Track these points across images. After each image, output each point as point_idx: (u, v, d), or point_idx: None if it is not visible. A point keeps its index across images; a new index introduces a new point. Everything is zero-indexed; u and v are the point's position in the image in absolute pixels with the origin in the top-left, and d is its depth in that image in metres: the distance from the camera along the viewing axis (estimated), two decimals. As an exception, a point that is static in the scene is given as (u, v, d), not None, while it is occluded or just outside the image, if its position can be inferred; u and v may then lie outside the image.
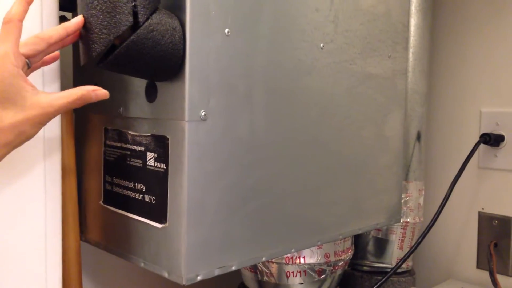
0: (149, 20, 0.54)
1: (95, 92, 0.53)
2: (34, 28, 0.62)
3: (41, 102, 0.49)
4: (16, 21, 0.50)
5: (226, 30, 0.62)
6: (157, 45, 0.55)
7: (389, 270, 1.06)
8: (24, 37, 0.60)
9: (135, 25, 0.54)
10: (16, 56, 0.48)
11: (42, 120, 0.49)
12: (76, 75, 0.78)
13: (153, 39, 0.55)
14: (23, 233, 0.62)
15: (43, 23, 0.63)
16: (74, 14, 0.71)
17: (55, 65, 0.65)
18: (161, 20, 0.55)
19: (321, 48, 0.75)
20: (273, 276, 0.92)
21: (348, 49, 0.80)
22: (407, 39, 0.95)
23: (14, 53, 0.48)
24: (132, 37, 0.53)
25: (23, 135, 0.49)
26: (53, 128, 0.66)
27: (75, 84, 0.78)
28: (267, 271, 0.92)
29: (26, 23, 0.61)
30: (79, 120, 0.78)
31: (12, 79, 0.47)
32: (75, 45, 0.77)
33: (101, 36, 0.52)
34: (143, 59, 0.55)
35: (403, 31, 0.92)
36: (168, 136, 0.61)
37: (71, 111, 0.75)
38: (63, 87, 0.66)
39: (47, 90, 0.64)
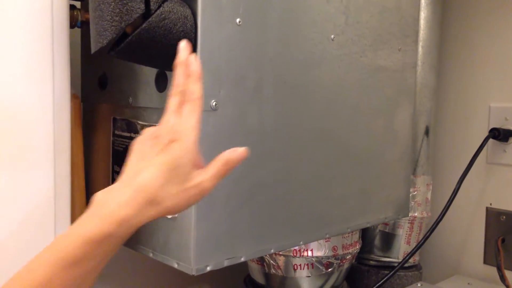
0: (161, 8, 0.54)
1: (235, 153, 0.50)
2: (44, 17, 0.61)
3: (198, 183, 0.47)
4: (201, 99, 0.49)
5: (238, 20, 0.61)
6: (168, 33, 0.55)
7: (395, 264, 1.06)
8: (33, 22, 0.60)
9: (147, 13, 0.53)
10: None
11: (196, 200, 0.49)
12: (85, 65, 0.78)
13: (165, 28, 0.54)
14: (32, 225, 0.62)
15: (53, 12, 0.63)
16: (84, 3, 0.71)
17: (64, 55, 0.65)
18: (172, 8, 0.55)
19: (332, 40, 0.74)
20: (280, 269, 0.92)
21: (359, 41, 0.79)
22: (417, 32, 0.95)
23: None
24: (144, 25, 0.53)
25: (175, 209, 0.47)
26: (63, 118, 0.65)
27: (84, 74, 0.78)
28: (274, 263, 0.92)
29: (35, 11, 0.61)
30: (87, 110, 0.78)
31: (191, 157, 0.47)
32: (83, 35, 0.77)
33: (113, 24, 0.52)
34: (154, 47, 0.55)
35: (413, 24, 0.91)
36: (178, 126, 0.61)
37: (79, 101, 0.75)
38: (71, 77, 0.66)
39: (57, 79, 0.64)
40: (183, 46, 0.49)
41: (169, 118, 0.48)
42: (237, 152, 0.50)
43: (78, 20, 0.70)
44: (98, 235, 0.43)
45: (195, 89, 0.48)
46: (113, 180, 0.72)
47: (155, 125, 0.64)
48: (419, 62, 1.08)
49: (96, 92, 0.75)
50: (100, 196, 0.46)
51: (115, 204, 0.44)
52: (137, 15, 0.52)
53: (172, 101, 0.49)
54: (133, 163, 0.48)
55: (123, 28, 0.52)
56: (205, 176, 0.48)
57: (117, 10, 0.52)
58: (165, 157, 0.46)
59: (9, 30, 0.59)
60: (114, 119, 0.72)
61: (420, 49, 1.08)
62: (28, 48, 0.60)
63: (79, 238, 0.44)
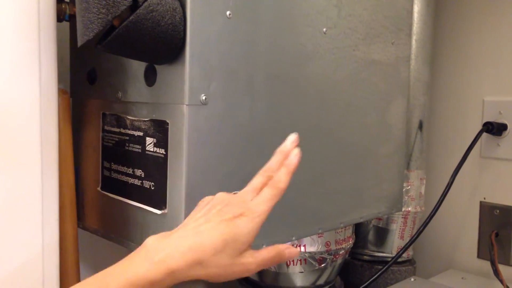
0: (148, 0, 0.53)
1: (288, 250, 0.52)
2: (30, 10, 0.60)
3: (245, 263, 0.49)
4: (282, 190, 0.52)
5: (228, 13, 0.60)
6: (157, 26, 0.54)
7: (389, 259, 1.05)
8: (19, 16, 0.59)
9: (134, 5, 0.52)
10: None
11: (236, 277, 0.50)
12: (73, 59, 0.77)
13: (153, 20, 0.53)
14: (19, 220, 0.61)
15: (40, 5, 0.62)
16: (72, -4, 0.70)
17: (51, 50, 0.63)
18: (161, 0, 0.54)
19: (324, 33, 0.73)
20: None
21: (351, 35, 0.78)
22: (410, 26, 0.94)
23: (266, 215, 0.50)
24: (131, 18, 0.52)
25: (214, 278, 0.48)
26: (50, 114, 0.64)
27: (73, 70, 0.77)
28: (267, 259, 0.91)
29: (21, 4, 0.60)
30: (76, 105, 0.77)
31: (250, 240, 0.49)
32: (72, 29, 0.75)
33: (99, 16, 0.51)
34: (143, 40, 0.54)
35: (407, 18, 0.90)
36: (167, 121, 0.60)
37: (68, 97, 0.73)
38: (59, 72, 0.64)
39: (44, 74, 0.62)
40: (293, 139, 0.54)
41: (247, 194, 0.51)
42: (291, 250, 0.52)
43: (66, 14, 0.69)
44: (145, 280, 0.44)
45: (284, 179, 0.52)
46: (103, 176, 0.71)
47: (144, 120, 0.63)
48: (413, 56, 1.07)
49: (85, 87, 0.74)
50: (154, 241, 0.47)
51: (169, 253, 0.45)
52: (124, 7, 0.51)
53: (257, 180, 0.52)
54: (196, 217, 0.50)
55: (110, 21, 0.51)
56: (255, 259, 0.49)
57: (104, 2, 0.50)
58: (230, 227, 0.47)
59: (-6, 23, 0.58)
60: (104, 114, 0.71)
61: (413, 42, 1.07)
62: (13, 42, 0.59)
63: (125, 279, 0.44)
